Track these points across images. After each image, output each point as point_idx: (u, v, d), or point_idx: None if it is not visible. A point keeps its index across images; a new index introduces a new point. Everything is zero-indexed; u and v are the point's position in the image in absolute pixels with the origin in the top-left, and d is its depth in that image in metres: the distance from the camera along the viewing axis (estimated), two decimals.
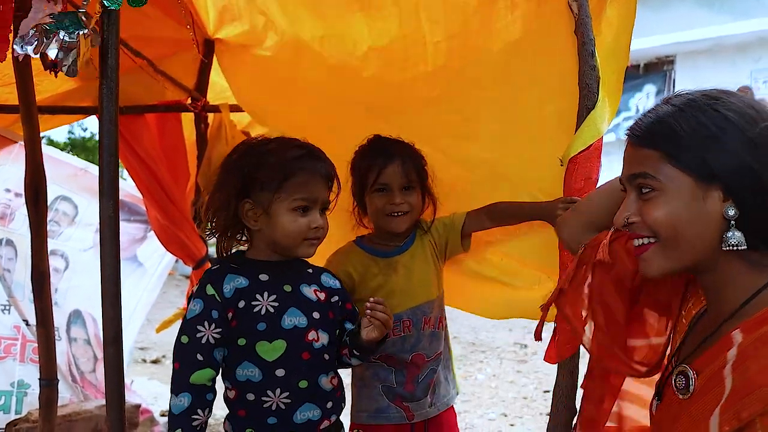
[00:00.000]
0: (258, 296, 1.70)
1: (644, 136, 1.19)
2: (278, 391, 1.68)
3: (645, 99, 9.32)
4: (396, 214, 2.07)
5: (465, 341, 6.58)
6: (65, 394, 3.60)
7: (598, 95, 1.73)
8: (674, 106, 1.18)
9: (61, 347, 3.80)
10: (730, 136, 1.11)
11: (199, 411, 1.64)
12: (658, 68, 9.52)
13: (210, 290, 1.68)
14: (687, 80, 9.10)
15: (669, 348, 1.35)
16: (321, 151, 1.79)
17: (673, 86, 9.23)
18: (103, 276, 1.53)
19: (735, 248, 1.11)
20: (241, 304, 1.69)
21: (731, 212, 1.11)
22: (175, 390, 1.65)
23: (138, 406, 3.83)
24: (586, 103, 1.73)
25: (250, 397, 1.69)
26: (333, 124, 2.57)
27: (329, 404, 1.77)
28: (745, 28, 8.29)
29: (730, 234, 1.11)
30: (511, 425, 4.50)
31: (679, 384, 1.16)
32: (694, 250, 1.15)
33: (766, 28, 8.17)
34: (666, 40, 8.88)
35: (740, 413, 0.96)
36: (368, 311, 1.72)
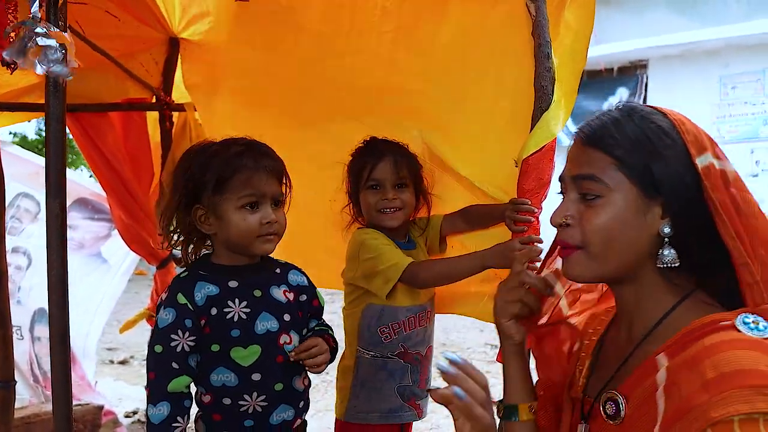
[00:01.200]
0: (230, 303, 1.69)
1: (595, 138, 1.16)
2: (255, 394, 1.68)
3: (618, 101, 9.40)
4: (388, 210, 2.09)
5: (436, 341, 6.50)
6: (25, 395, 3.55)
7: (552, 97, 1.74)
8: (630, 115, 1.16)
9: (23, 346, 3.76)
10: (676, 155, 1.11)
11: (179, 419, 1.63)
12: (632, 72, 9.62)
13: (181, 299, 1.66)
14: (660, 84, 9.21)
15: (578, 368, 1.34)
16: (266, 146, 1.76)
17: (646, 90, 9.32)
18: (50, 276, 1.52)
19: (668, 266, 1.12)
20: (214, 311, 1.68)
21: (667, 230, 1.11)
22: (153, 400, 1.63)
23: (101, 408, 3.79)
24: (541, 104, 1.74)
25: (227, 401, 1.68)
26: (285, 116, 2.58)
27: (301, 404, 1.79)
28: (714, 34, 8.39)
29: (665, 252, 1.12)
30: None
31: (609, 410, 1.14)
32: (621, 262, 1.14)
33: (733, 35, 8.28)
34: (639, 44, 8.98)
35: None
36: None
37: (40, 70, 1.37)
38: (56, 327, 1.52)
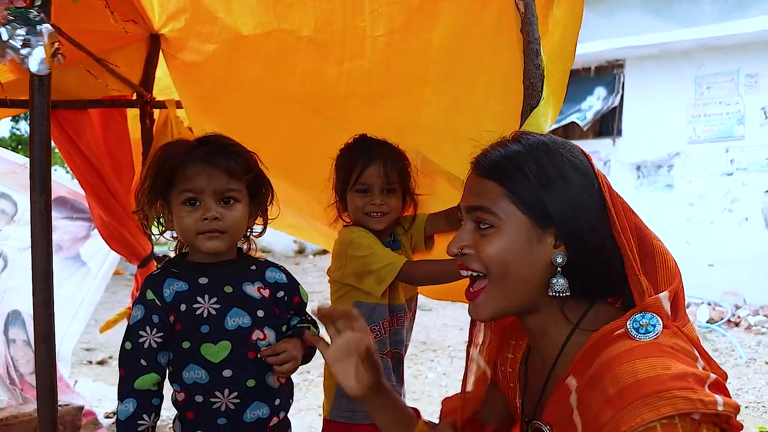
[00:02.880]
0: (199, 299, 1.69)
1: (490, 169, 1.20)
2: (227, 391, 1.68)
3: (596, 100, 9.48)
4: (375, 214, 2.09)
5: (416, 340, 6.59)
6: (2, 397, 3.49)
7: (542, 94, 1.73)
8: (523, 145, 1.21)
9: None
10: (571, 184, 1.16)
11: (145, 416, 1.63)
12: (608, 71, 9.68)
13: (150, 295, 1.68)
14: (636, 84, 9.30)
15: (518, 401, 1.37)
16: (226, 144, 1.74)
17: (623, 89, 9.40)
18: (35, 273, 1.48)
19: (558, 294, 1.17)
20: (183, 307, 1.68)
21: (559, 259, 1.16)
22: (121, 396, 1.65)
23: (81, 408, 3.73)
24: (530, 101, 1.73)
25: (199, 399, 1.68)
26: (267, 120, 2.56)
27: (277, 401, 1.77)
28: (689, 35, 8.49)
29: (555, 280, 1.16)
30: None
31: None
32: (523, 291, 1.18)
33: (708, 36, 8.38)
34: (616, 44, 9.05)
35: None
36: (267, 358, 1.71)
37: (33, 66, 1.35)
38: (41, 326, 1.49)
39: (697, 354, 1.09)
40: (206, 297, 1.69)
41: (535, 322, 1.23)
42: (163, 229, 1.79)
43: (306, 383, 5.04)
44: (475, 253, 1.19)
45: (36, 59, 1.34)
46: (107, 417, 4.19)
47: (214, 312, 1.68)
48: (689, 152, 8.84)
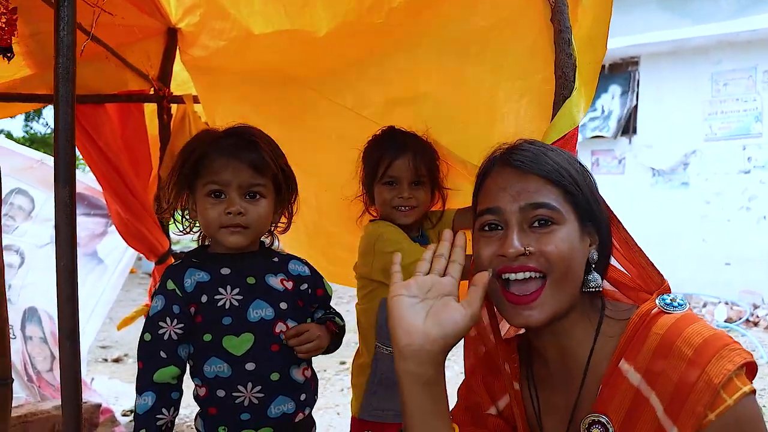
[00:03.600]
0: (221, 290, 1.66)
1: (541, 168, 1.20)
2: (249, 385, 1.64)
3: (611, 99, 9.40)
4: (403, 208, 2.05)
5: None
6: (21, 394, 3.48)
7: (574, 84, 1.69)
8: (554, 150, 1.25)
9: (16, 346, 3.68)
10: (595, 187, 1.26)
11: (164, 410, 1.60)
12: (623, 69, 9.59)
13: (170, 285, 1.64)
14: (651, 81, 9.20)
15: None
16: (253, 138, 1.70)
17: (638, 87, 9.30)
18: (59, 267, 1.45)
19: (593, 290, 1.22)
20: (204, 298, 1.64)
21: (595, 256, 1.22)
22: (140, 389, 1.61)
23: (98, 406, 3.72)
24: (563, 91, 1.69)
25: (221, 393, 1.64)
26: (273, 113, 2.53)
27: (303, 396, 1.73)
28: (705, 31, 8.38)
29: (592, 276, 1.22)
30: None
31: None
32: (572, 290, 1.20)
33: (724, 32, 8.28)
34: (630, 41, 8.96)
35: (695, 408, 1.03)
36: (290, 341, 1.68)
37: None
38: (66, 320, 1.45)
39: None
40: (228, 288, 1.66)
41: (567, 323, 1.22)
42: (188, 227, 1.76)
43: (323, 382, 5.01)
44: (539, 252, 1.17)
45: None
46: (124, 415, 4.18)
47: (236, 303, 1.65)
48: (705, 150, 8.74)
